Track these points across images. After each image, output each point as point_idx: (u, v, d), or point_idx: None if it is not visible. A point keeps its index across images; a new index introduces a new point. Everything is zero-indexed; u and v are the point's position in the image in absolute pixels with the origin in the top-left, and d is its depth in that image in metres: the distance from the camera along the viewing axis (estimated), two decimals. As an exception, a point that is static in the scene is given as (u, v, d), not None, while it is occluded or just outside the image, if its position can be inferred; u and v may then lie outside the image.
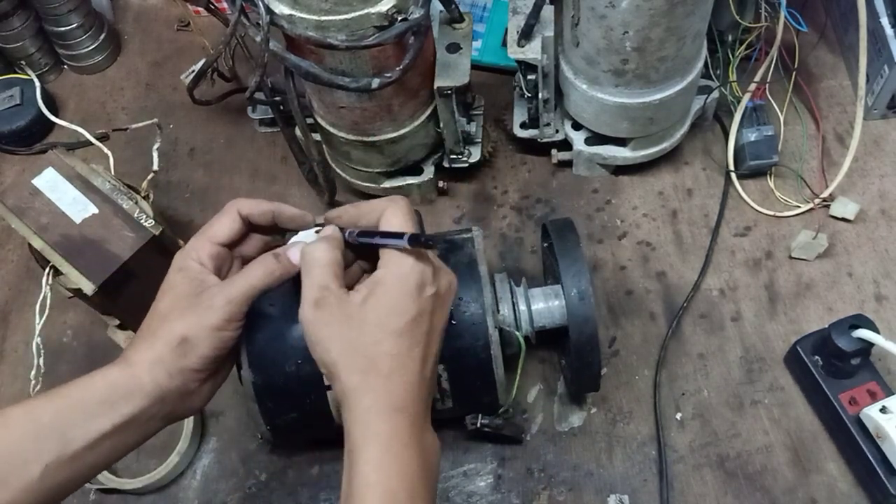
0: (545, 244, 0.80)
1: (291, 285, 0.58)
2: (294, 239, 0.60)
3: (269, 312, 0.63)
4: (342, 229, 0.58)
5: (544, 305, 0.72)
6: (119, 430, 0.54)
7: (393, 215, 0.56)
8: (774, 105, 0.91)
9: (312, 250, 0.55)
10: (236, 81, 0.97)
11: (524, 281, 0.75)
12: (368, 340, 0.52)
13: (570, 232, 0.72)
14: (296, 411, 0.65)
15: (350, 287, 0.55)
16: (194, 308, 0.56)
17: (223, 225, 0.59)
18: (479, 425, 0.72)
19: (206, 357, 0.56)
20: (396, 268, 0.53)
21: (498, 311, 0.69)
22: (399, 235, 0.53)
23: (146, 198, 0.79)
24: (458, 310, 0.66)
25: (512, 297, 0.72)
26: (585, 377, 0.71)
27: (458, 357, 0.66)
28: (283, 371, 0.64)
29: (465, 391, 0.68)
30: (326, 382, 0.63)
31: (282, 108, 0.84)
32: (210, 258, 0.58)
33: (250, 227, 0.61)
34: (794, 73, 0.90)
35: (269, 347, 0.63)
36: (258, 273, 0.57)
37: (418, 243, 0.52)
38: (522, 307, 0.72)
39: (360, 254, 0.60)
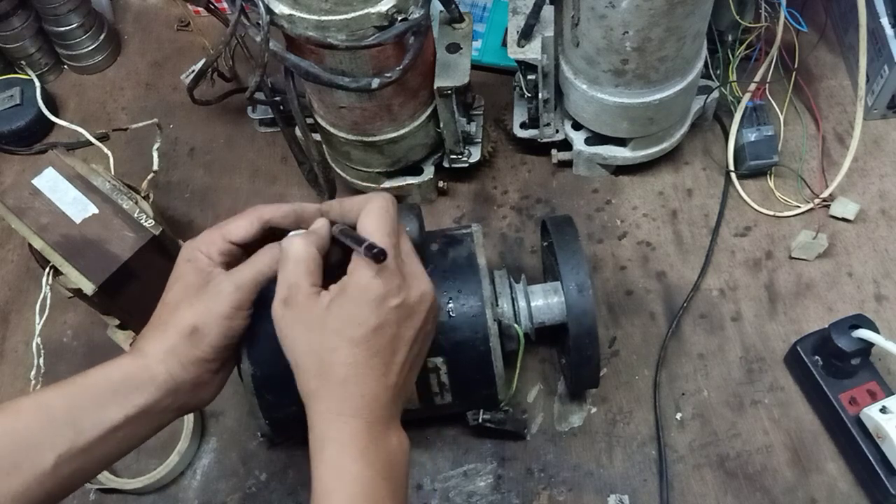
0: (545, 243, 0.80)
1: None
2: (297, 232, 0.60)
3: (268, 305, 0.63)
4: (332, 223, 0.58)
5: (544, 302, 0.72)
6: (131, 422, 0.54)
7: (367, 216, 0.54)
8: (774, 105, 0.91)
9: (288, 245, 0.55)
10: (236, 81, 0.97)
11: (523, 277, 0.75)
12: (326, 346, 0.52)
13: (569, 226, 0.73)
14: (295, 404, 0.65)
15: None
16: (202, 296, 0.56)
17: (239, 226, 0.59)
18: (480, 420, 0.72)
19: (216, 346, 0.56)
20: (359, 276, 0.52)
21: (497, 304, 0.70)
22: (361, 241, 0.52)
23: (146, 198, 0.79)
24: (457, 303, 0.66)
25: (511, 293, 0.72)
26: (585, 372, 0.71)
27: (457, 350, 0.66)
28: (282, 363, 0.64)
29: (464, 385, 0.68)
30: None
31: (282, 108, 0.84)
32: (220, 254, 0.58)
33: (272, 232, 0.60)
34: (794, 73, 0.90)
35: (269, 340, 0.63)
36: (265, 260, 0.57)
37: (369, 254, 0.51)
38: (522, 303, 0.72)
39: (350, 251, 0.59)
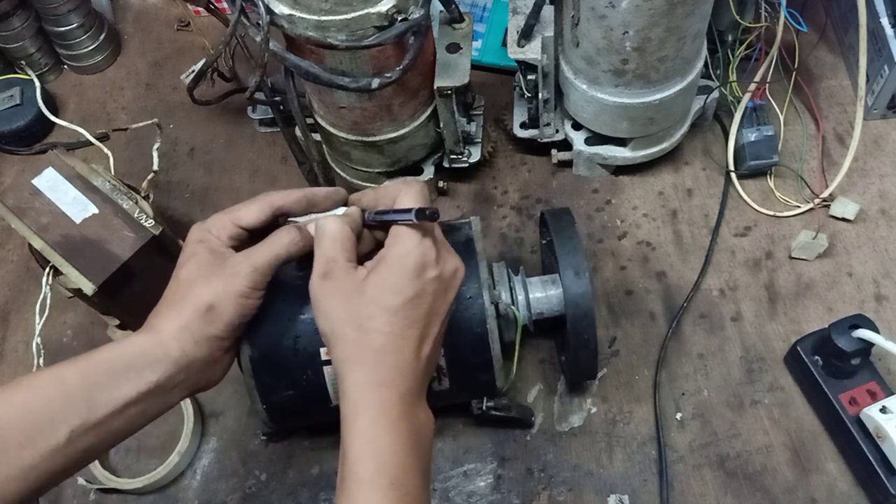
0: (543, 241, 0.80)
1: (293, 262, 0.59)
2: (315, 216, 0.62)
3: (271, 287, 0.64)
4: (363, 211, 0.60)
5: (542, 294, 0.73)
6: (143, 398, 0.55)
7: (406, 196, 0.57)
8: (774, 105, 0.91)
9: (324, 224, 0.57)
10: (236, 81, 0.97)
11: (522, 269, 0.75)
12: (364, 314, 0.53)
13: (566, 215, 0.74)
14: (292, 388, 0.65)
15: None
16: (219, 275, 0.57)
17: (251, 211, 0.60)
18: (485, 408, 0.72)
19: (230, 324, 0.57)
20: (398, 247, 0.55)
21: (494, 287, 0.70)
22: (407, 211, 0.55)
23: (146, 198, 0.79)
24: None
25: (510, 283, 0.72)
26: (583, 356, 0.71)
27: (455, 332, 0.66)
28: (280, 345, 0.64)
29: (461, 369, 0.68)
30: (324, 357, 0.64)
31: (282, 108, 0.84)
32: (230, 238, 0.59)
33: (281, 216, 0.61)
34: (794, 73, 0.90)
35: (267, 322, 0.63)
36: (283, 243, 0.58)
37: (423, 216, 0.54)
38: (520, 295, 0.72)
39: (382, 239, 0.61)
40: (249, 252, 0.58)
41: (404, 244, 0.54)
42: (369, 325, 0.53)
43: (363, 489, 0.50)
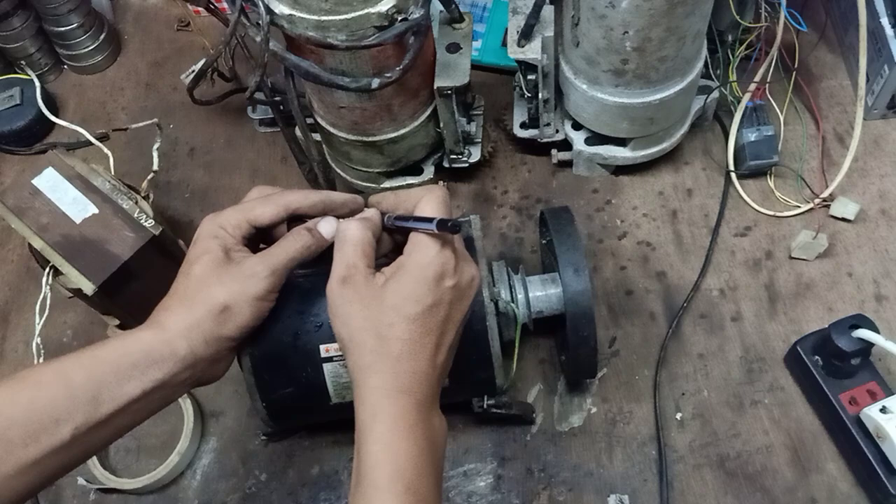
0: (543, 241, 0.80)
1: None
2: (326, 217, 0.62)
3: None
4: (383, 214, 0.60)
5: (542, 292, 0.73)
6: (148, 395, 0.55)
7: (427, 203, 0.57)
8: (774, 105, 0.91)
9: (346, 228, 0.57)
10: (236, 81, 0.97)
11: (522, 268, 0.75)
12: (384, 322, 0.53)
13: (565, 213, 0.74)
14: (292, 385, 0.65)
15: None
16: (235, 277, 0.57)
17: (266, 212, 0.60)
18: (486, 406, 0.72)
19: (245, 326, 0.57)
20: (419, 256, 0.54)
21: (494, 284, 0.70)
22: (429, 220, 0.55)
23: (146, 198, 0.79)
24: None
25: (509, 282, 0.72)
26: (582, 353, 0.71)
27: None
28: (280, 342, 0.64)
29: (461, 366, 0.67)
30: (324, 354, 0.64)
31: (282, 108, 0.84)
32: (243, 237, 0.59)
33: (295, 219, 0.62)
34: (794, 73, 0.90)
35: (268, 319, 0.63)
36: (296, 246, 0.58)
37: (445, 227, 0.54)
38: (520, 294, 0.72)
39: (400, 242, 0.61)
40: (265, 255, 0.58)
41: (425, 253, 0.54)
42: (389, 333, 0.53)
43: (379, 494, 0.50)
